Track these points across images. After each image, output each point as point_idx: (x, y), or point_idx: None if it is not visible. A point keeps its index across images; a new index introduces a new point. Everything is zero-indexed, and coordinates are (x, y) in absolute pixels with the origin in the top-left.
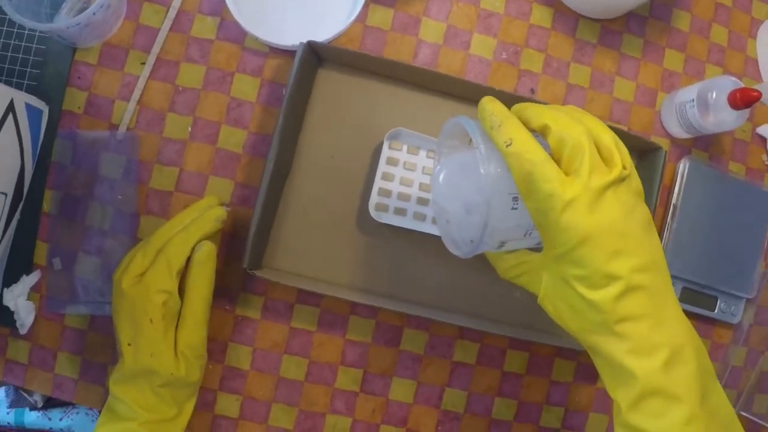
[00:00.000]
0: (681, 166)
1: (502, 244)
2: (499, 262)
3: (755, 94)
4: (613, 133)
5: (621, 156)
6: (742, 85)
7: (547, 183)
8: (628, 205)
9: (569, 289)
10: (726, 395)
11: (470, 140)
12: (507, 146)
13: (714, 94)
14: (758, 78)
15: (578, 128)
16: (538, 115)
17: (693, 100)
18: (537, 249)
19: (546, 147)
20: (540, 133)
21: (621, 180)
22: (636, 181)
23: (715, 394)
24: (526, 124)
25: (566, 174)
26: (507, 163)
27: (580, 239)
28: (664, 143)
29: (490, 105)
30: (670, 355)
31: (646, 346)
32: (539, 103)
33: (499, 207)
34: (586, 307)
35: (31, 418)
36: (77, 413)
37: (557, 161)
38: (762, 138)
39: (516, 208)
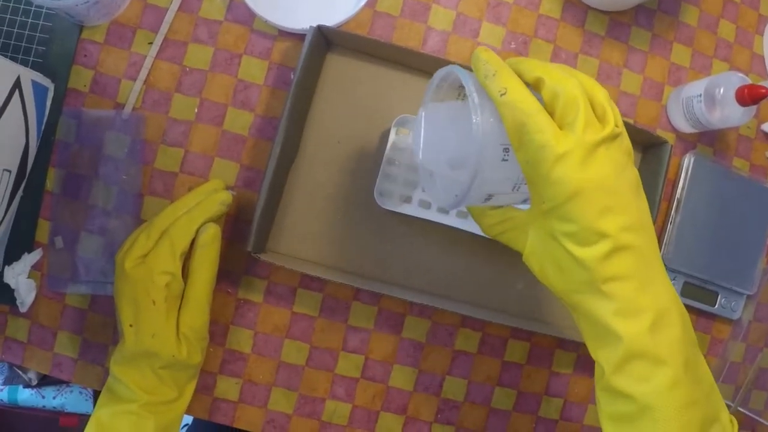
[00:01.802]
0: (686, 160)
1: (489, 197)
2: (483, 219)
3: (763, 90)
4: (606, 92)
5: (614, 114)
6: (750, 82)
7: (540, 134)
8: (619, 163)
9: (556, 245)
10: (707, 364)
11: (458, 94)
12: (501, 95)
13: (722, 90)
14: (764, 74)
15: (573, 82)
16: (533, 68)
17: (700, 95)
18: (523, 206)
19: (540, 100)
20: (534, 87)
21: (614, 137)
22: (626, 141)
23: (698, 361)
24: (520, 76)
25: (559, 128)
26: (500, 112)
27: (570, 193)
28: (669, 137)
29: (485, 54)
30: (655, 318)
31: (633, 307)
32: (529, 59)
33: (490, 158)
34: (573, 265)
35: (25, 395)
36: (71, 391)
37: (550, 115)
38: (767, 135)
39: (506, 160)
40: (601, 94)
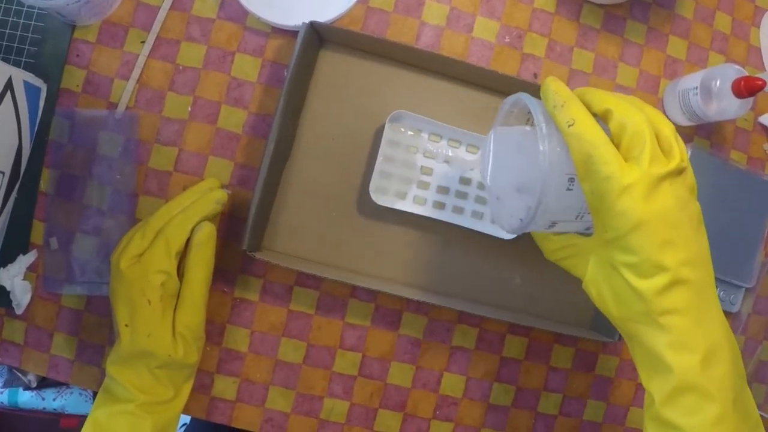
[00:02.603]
0: None
1: (552, 224)
2: (546, 243)
3: (760, 82)
4: (673, 126)
5: (680, 149)
6: (747, 74)
7: (606, 165)
8: (682, 198)
9: (616, 275)
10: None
11: (527, 120)
12: (569, 126)
13: (718, 82)
14: (761, 67)
15: (640, 116)
16: (601, 99)
17: (696, 88)
18: (585, 234)
19: (606, 132)
20: (601, 117)
21: (678, 172)
22: (691, 177)
23: (746, 397)
24: (588, 107)
25: (625, 160)
26: (567, 143)
27: (633, 225)
28: None
29: (554, 85)
30: (708, 353)
31: (687, 341)
32: (597, 89)
33: (555, 186)
34: (631, 295)
35: (25, 397)
36: (71, 393)
37: (616, 147)
38: (764, 127)
39: (571, 189)
40: (667, 129)
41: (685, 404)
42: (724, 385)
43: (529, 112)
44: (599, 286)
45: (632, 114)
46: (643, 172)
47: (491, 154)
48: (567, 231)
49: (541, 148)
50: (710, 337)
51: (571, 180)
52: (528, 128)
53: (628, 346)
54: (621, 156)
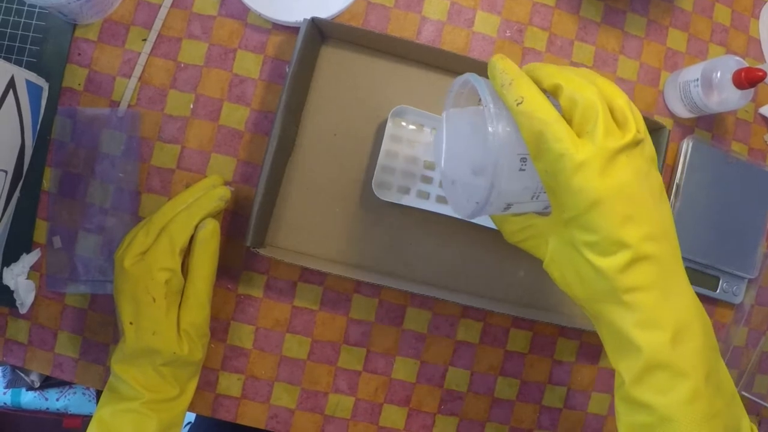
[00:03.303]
0: (684, 145)
1: (508, 206)
2: (504, 225)
3: (760, 73)
4: (627, 97)
5: (635, 120)
6: (747, 65)
7: (558, 143)
8: (641, 170)
9: (577, 254)
10: (728, 370)
11: (479, 100)
12: (517, 104)
13: (718, 74)
14: (761, 58)
15: (591, 89)
16: (550, 74)
17: (697, 80)
18: (544, 213)
19: (558, 108)
20: (551, 94)
21: (635, 144)
22: (650, 147)
23: (720, 370)
24: (537, 83)
25: (578, 136)
26: (517, 121)
27: (591, 203)
28: (667, 122)
29: (501, 63)
30: (677, 329)
31: (654, 318)
32: (546, 64)
33: (507, 168)
34: (593, 275)
35: (28, 398)
36: (74, 393)
37: (568, 122)
38: (764, 118)
39: (524, 170)
40: (621, 100)
41: (656, 383)
42: (695, 360)
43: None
44: (561, 266)
45: (583, 87)
46: (598, 147)
47: (444, 137)
48: (524, 212)
49: (490, 129)
50: (679, 312)
51: (524, 160)
52: (479, 108)
53: (594, 326)
54: (574, 132)
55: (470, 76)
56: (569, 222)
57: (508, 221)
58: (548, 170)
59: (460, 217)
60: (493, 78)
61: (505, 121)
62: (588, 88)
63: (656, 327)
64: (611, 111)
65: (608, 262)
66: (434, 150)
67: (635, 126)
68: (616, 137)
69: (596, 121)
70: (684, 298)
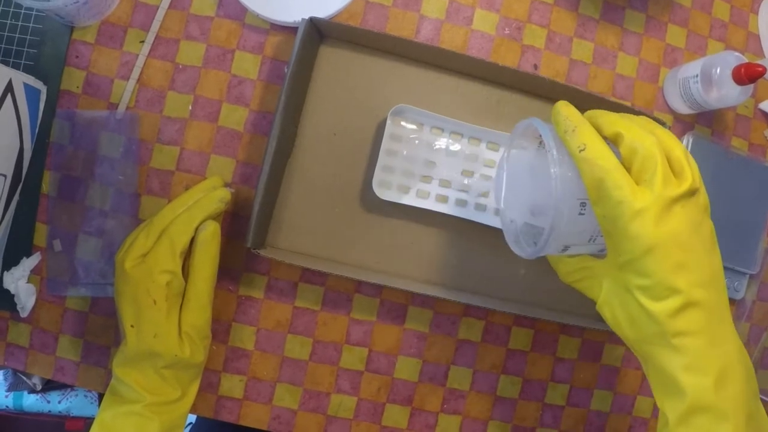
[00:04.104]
0: (684, 141)
1: (565, 248)
2: (560, 266)
3: (760, 69)
4: (684, 147)
5: (691, 169)
6: (746, 61)
7: (618, 190)
8: (695, 219)
9: (630, 297)
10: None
11: (540, 142)
12: (580, 151)
13: (718, 70)
14: (760, 53)
15: (651, 139)
16: (611, 123)
17: (697, 76)
18: (599, 255)
19: (617, 155)
20: (612, 141)
21: (691, 194)
22: (704, 197)
23: (760, 413)
24: (598, 130)
25: (636, 183)
26: (579, 168)
27: (646, 249)
28: (667, 119)
29: (564, 109)
30: (721, 373)
31: (700, 362)
32: (607, 112)
33: (567, 211)
34: (645, 318)
35: (30, 401)
36: (76, 396)
37: (628, 170)
38: (764, 113)
39: (583, 214)
40: (678, 150)
41: (698, 425)
42: (737, 404)
43: (541, 135)
44: (613, 308)
45: (643, 137)
46: (655, 196)
47: (504, 177)
48: (580, 253)
49: (553, 173)
50: (723, 357)
51: (583, 204)
52: (541, 150)
53: (642, 366)
54: (632, 180)
55: (534, 121)
56: (624, 266)
57: (564, 262)
58: (607, 215)
59: (520, 255)
60: (557, 123)
61: (566, 166)
62: (647, 137)
63: (701, 371)
64: (668, 160)
65: (660, 307)
66: (494, 189)
67: (691, 176)
68: (673, 186)
69: (655, 170)
70: (729, 343)
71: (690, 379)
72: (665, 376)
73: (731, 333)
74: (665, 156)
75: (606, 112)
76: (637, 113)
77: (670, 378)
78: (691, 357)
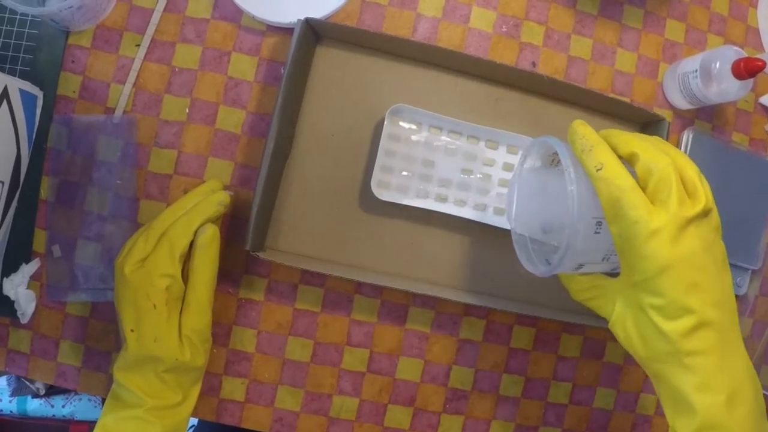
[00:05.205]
0: (684, 137)
1: (579, 266)
2: (572, 284)
3: (760, 63)
4: (697, 167)
5: (704, 190)
6: (746, 55)
7: (634, 210)
8: (707, 240)
9: (643, 316)
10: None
11: (552, 160)
12: (597, 170)
13: (717, 64)
14: (760, 47)
15: (666, 159)
16: (627, 143)
17: (696, 71)
18: (611, 274)
19: (633, 174)
20: (627, 161)
21: (704, 214)
22: (716, 218)
23: None
24: (613, 149)
25: (651, 203)
26: (595, 187)
27: (660, 268)
28: (666, 114)
29: (581, 129)
30: (731, 393)
31: (712, 382)
32: (622, 132)
33: (583, 230)
34: (657, 336)
35: (34, 405)
36: (79, 400)
37: (643, 189)
38: (765, 108)
39: (598, 233)
40: (692, 170)
41: None
42: (747, 423)
43: (554, 152)
44: (626, 326)
45: (658, 158)
46: (671, 216)
47: (515, 196)
48: (593, 272)
49: (569, 191)
50: (734, 377)
51: (599, 223)
52: (554, 169)
53: (653, 384)
54: (648, 200)
55: (550, 140)
56: (638, 285)
57: (576, 280)
58: (622, 235)
59: (534, 273)
60: (573, 142)
61: (583, 185)
62: (663, 158)
63: (713, 390)
64: (682, 181)
65: (673, 326)
66: (506, 207)
67: (705, 196)
68: (688, 207)
69: (670, 191)
70: (739, 363)
71: (701, 398)
72: (677, 394)
73: (741, 351)
74: (679, 176)
75: (621, 131)
76: (636, 109)
77: (681, 396)
78: (702, 376)
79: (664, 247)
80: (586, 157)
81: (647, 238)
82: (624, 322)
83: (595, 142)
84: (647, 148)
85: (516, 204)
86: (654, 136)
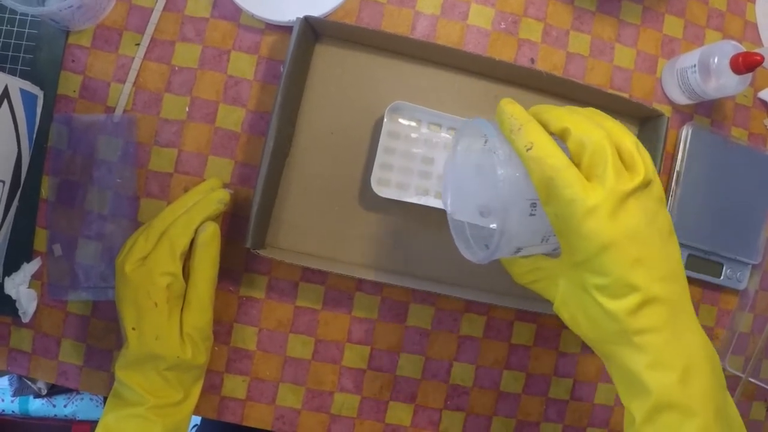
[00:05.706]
0: (683, 132)
1: (518, 249)
2: (513, 267)
3: (758, 58)
4: (635, 137)
5: (644, 161)
6: (744, 50)
7: (568, 188)
8: (650, 211)
9: (587, 297)
10: (735, 406)
11: (486, 141)
12: (527, 150)
13: (716, 59)
14: (758, 42)
15: (599, 132)
16: (558, 118)
17: (695, 66)
18: (553, 255)
19: (565, 150)
20: (559, 137)
21: (644, 186)
22: (658, 187)
23: (728, 406)
24: (545, 127)
25: (587, 179)
26: (527, 167)
27: (601, 247)
28: (665, 110)
29: (509, 107)
30: (686, 368)
31: (664, 359)
32: (554, 107)
33: (517, 213)
34: (604, 317)
35: (36, 405)
36: (81, 399)
37: (577, 165)
38: (763, 102)
39: (534, 214)
40: (629, 141)
41: (665, 423)
42: (704, 399)
43: (486, 135)
44: (571, 308)
45: (591, 131)
46: (608, 192)
47: (450, 179)
48: (534, 254)
49: (499, 174)
50: (688, 351)
51: (533, 205)
52: (486, 149)
53: (606, 366)
54: (583, 176)
55: (478, 121)
56: (579, 265)
57: (517, 263)
58: (558, 215)
59: (471, 260)
60: (501, 123)
61: (514, 166)
62: (596, 131)
63: (665, 368)
64: (619, 153)
65: (619, 305)
66: (442, 192)
67: (644, 167)
68: (626, 180)
69: (605, 164)
70: (693, 337)
71: (654, 377)
72: (629, 374)
73: (694, 326)
74: (616, 148)
75: (552, 106)
76: (634, 104)
77: (634, 377)
78: (654, 354)
79: (602, 224)
80: (516, 137)
81: (584, 217)
82: (568, 304)
83: (525, 121)
84: (579, 121)
85: (451, 188)
86: (589, 108)
